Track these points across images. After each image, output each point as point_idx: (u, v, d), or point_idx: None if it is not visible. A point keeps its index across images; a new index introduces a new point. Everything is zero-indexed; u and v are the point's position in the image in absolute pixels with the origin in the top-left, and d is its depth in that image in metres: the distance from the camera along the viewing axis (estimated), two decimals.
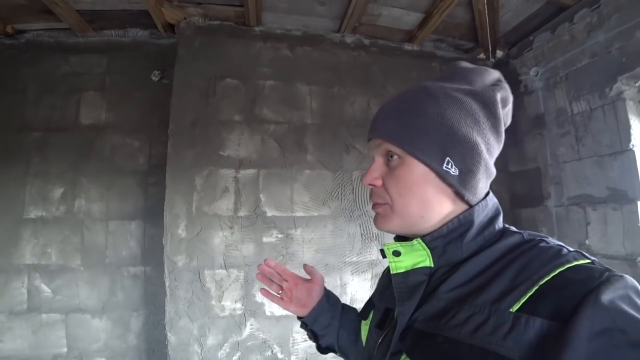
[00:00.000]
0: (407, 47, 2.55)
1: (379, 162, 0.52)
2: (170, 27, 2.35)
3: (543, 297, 0.36)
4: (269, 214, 2.13)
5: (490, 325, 0.38)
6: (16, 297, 2.14)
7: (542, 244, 0.43)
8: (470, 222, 0.47)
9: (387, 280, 0.63)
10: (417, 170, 0.48)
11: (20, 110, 2.31)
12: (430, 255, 0.49)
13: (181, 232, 2.03)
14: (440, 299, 0.46)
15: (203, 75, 2.20)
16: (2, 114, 2.31)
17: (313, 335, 0.76)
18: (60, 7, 2.09)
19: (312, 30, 2.41)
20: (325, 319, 0.74)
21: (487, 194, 0.52)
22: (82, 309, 2.12)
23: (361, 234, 2.26)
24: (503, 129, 0.51)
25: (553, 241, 0.44)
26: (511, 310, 0.38)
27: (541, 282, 0.37)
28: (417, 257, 0.50)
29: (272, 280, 0.76)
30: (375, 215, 0.54)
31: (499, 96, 0.49)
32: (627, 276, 0.36)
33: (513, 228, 0.50)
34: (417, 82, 0.57)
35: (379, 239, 2.26)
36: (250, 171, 2.15)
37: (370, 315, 0.63)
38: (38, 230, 2.18)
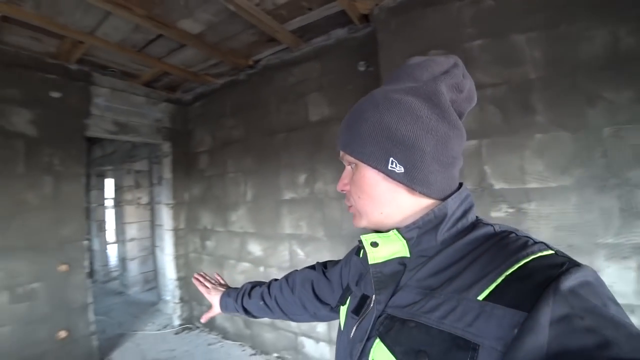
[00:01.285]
0: None
1: (348, 169, 0.58)
2: (365, 18, 2.47)
3: (508, 286, 0.39)
4: (497, 186, 1.96)
5: (458, 312, 0.41)
6: (282, 257, 2.94)
7: (511, 236, 0.46)
8: (444, 215, 0.50)
9: (362, 267, 0.67)
10: (367, 174, 0.53)
11: (268, 119, 3.06)
12: (406, 245, 0.52)
13: None
14: (413, 287, 0.49)
15: (406, 54, 2.21)
16: (257, 124, 3.14)
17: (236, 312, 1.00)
18: (280, 33, 2.58)
19: None
20: (231, 307, 0.99)
21: (460, 186, 0.54)
22: None
23: (620, 208, 1.75)
24: (455, 116, 0.51)
25: (521, 233, 0.47)
26: (478, 298, 0.40)
27: (507, 273, 0.40)
28: (393, 247, 0.53)
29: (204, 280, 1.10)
30: (352, 215, 0.59)
31: (443, 86, 0.50)
32: (587, 265, 0.39)
33: (485, 220, 0.52)
34: None
35: None
36: (471, 142, 2.02)
37: (348, 301, 0.66)
38: (292, 208, 2.87)
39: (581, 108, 1.84)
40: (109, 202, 5.80)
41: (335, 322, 2.48)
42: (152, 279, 4.76)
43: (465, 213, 0.52)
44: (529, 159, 1.90)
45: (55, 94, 2.78)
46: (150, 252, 4.87)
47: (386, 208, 0.53)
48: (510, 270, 0.40)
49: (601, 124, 1.81)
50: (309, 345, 2.80)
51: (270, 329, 3.06)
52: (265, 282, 1.00)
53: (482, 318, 0.39)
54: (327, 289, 0.85)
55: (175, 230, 3.78)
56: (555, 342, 0.33)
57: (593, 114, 1.83)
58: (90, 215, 5.76)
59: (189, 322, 3.83)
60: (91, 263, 5.91)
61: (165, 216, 3.82)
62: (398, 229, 0.51)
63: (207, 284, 1.08)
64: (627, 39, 1.77)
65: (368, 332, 0.50)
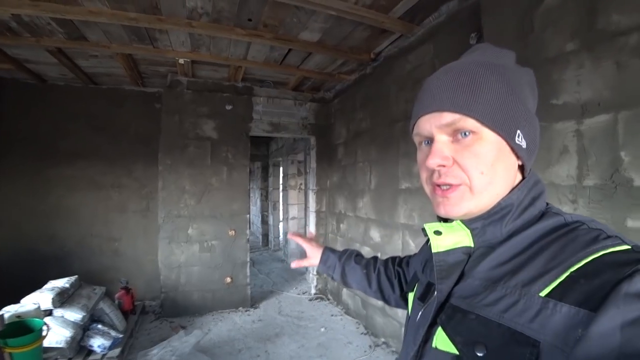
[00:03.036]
0: None
1: (443, 140, 0.48)
2: None
3: (573, 283, 0.37)
4: (639, 181, 1.30)
5: (519, 307, 0.40)
6: (396, 245, 2.93)
7: (582, 228, 0.43)
8: (510, 205, 0.47)
9: (429, 255, 0.60)
10: (497, 146, 0.46)
11: (390, 109, 3.05)
12: (470, 235, 0.50)
13: None
14: (476, 278, 0.47)
15: (513, 14, 1.73)
16: (380, 114, 3.19)
17: (328, 274, 0.99)
18: (387, 23, 2.52)
19: None
20: (331, 262, 0.97)
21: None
22: None
23: None
24: None
25: (595, 225, 0.43)
26: (540, 294, 0.39)
27: (572, 269, 0.38)
28: (457, 237, 0.50)
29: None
30: (443, 200, 0.49)
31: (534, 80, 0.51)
32: None
33: (555, 208, 0.49)
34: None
35: None
36: (602, 118, 1.36)
37: (415, 288, 0.65)
38: (407, 198, 2.79)
39: None
40: (281, 187, 7.20)
41: None
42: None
43: (533, 201, 0.48)
44: None
45: (229, 107, 3.82)
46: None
47: (503, 187, 0.47)
48: (576, 267, 0.38)
49: None
50: None
51: (381, 314, 3.12)
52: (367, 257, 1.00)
53: (544, 315, 0.37)
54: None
55: (318, 212, 4.38)
56: (628, 345, 0.30)
57: None
58: (268, 197, 7.42)
59: (322, 293, 4.36)
60: (267, 234, 7.52)
61: (311, 200, 4.47)
62: (462, 220, 0.49)
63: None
64: None
65: (430, 319, 0.50)
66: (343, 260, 0.96)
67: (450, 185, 0.48)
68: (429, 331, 0.50)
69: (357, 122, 3.64)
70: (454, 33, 2.34)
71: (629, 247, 0.37)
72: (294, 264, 1.03)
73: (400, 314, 2.83)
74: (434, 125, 0.48)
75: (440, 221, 0.54)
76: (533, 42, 1.64)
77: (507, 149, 0.47)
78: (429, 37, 2.56)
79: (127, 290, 3.34)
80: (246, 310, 3.82)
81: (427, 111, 0.49)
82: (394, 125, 2.99)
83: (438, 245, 0.51)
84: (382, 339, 3.09)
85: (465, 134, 0.46)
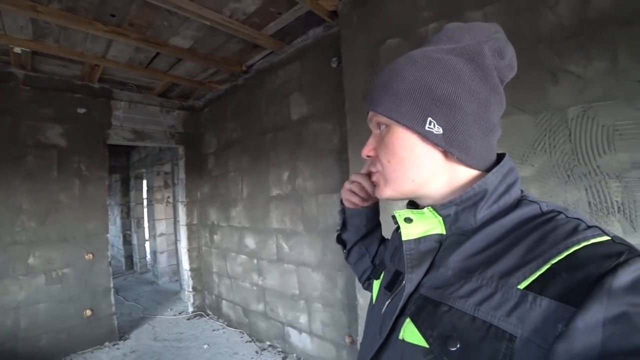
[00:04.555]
0: None
1: (376, 133, 0.54)
2: (336, 14, 2.51)
3: (554, 277, 0.36)
4: None
5: (496, 299, 0.38)
6: (270, 250, 3.10)
7: (560, 218, 0.41)
8: (484, 191, 0.46)
9: (397, 242, 0.62)
10: (402, 135, 0.49)
11: (260, 120, 3.24)
12: (442, 222, 0.49)
13: None
14: (449, 267, 0.46)
15: (366, 47, 2.21)
16: (251, 126, 3.34)
17: (342, 225, 0.83)
18: (260, 39, 2.73)
19: None
20: (359, 222, 0.80)
21: (502, 157, 0.50)
22: (306, 263, 2.75)
23: (589, 202, 1.53)
24: (497, 81, 0.49)
25: (573, 214, 0.42)
26: (519, 287, 0.37)
27: (553, 261, 0.36)
28: (428, 224, 0.50)
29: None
30: (375, 185, 0.55)
31: (486, 48, 0.48)
32: None
33: (531, 196, 0.48)
34: None
35: (624, 211, 1.45)
36: None
37: (381, 276, 0.64)
38: (278, 204, 3.00)
39: (542, 85, 1.67)
40: (145, 201, 6.54)
41: (316, 316, 2.59)
42: (178, 270, 5.24)
43: (508, 188, 0.47)
44: None
45: (81, 110, 3.30)
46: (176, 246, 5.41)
47: (418, 175, 0.49)
48: (557, 258, 0.36)
49: (567, 101, 1.62)
50: (293, 335, 2.90)
51: (264, 319, 3.23)
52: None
53: (522, 309, 0.36)
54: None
55: (189, 225, 4.19)
56: (610, 342, 0.30)
57: (556, 90, 1.65)
58: (130, 213, 6.62)
59: (201, 310, 4.18)
60: (131, 256, 6.71)
61: (181, 213, 4.24)
62: (434, 206, 0.48)
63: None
64: (598, 0, 1.57)
65: (399, 309, 0.47)
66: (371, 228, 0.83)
67: (373, 172, 0.55)
68: (396, 322, 0.48)
69: (229, 132, 3.71)
70: (319, 55, 2.73)
71: (610, 238, 0.37)
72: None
73: (282, 314, 3.01)
74: (369, 120, 0.55)
75: (411, 208, 0.54)
76: (378, 72, 2.14)
77: (415, 137, 0.48)
78: (298, 56, 2.90)
79: None
80: (114, 344, 3.32)
81: (365, 109, 0.55)
82: (264, 135, 3.19)
83: (408, 233, 0.50)
84: (268, 342, 3.19)
85: (382, 128, 0.52)
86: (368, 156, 0.55)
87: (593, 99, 1.55)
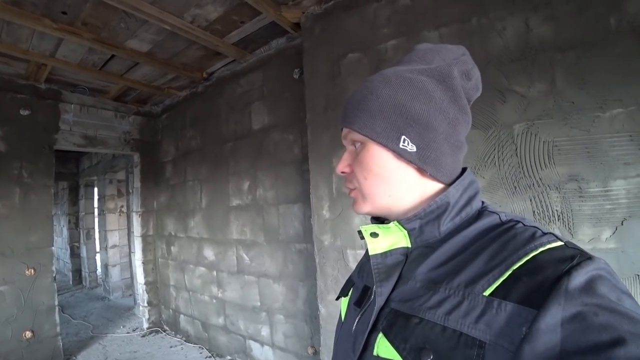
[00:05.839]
0: None
1: (350, 150, 0.55)
2: (299, 26, 2.53)
3: (516, 282, 0.37)
4: None
5: (463, 308, 0.39)
6: (231, 261, 3.01)
7: (518, 226, 0.44)
8: (446, 204, 0.48)
9: (366, 258, 0.63)
10: (376, 153, 0.50)
11: (220, 129, 3.17)
12: (407, 236, 0.50)
13: (325, 212, 2.17)
14: (417, 280, 0.47)
15: (327, 60, 2.24)
16: (211, 134, 3.26)
17: None
18: (222, 47, 2.69)
19: None
20: None
21: (463, 171, 0.52)
22: (267, 274, 2.70)
23: (534, 211, 1.65)
24: (465, 102, 0.51)
25: (529, 222, 0.45)
26: (484, 294, 0.39)
27: (514, 267, 0.38)
28: (394, 238, 0.51)
29: None
30: (352, 201, 0.55)
31: (455, 70, 0.50)
32: (599, 258, 0.37)
33: (491, 207, 0.50)
34: None
35: (563, 219, 1.58)
36: None
37: (350, 293, 0.63)
38: (238, 215, 2.94)
39: (491, 103, 1.78)
40: (96, 211, 6.14)
41: (278, 328, 2.54)
42: (131, 284, 4.96)
43: (469, 200, 0.49)
44: None
45: (25, 112, 3.04)
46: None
47: (394, 190, 0.50)
48: (518, 264, 0.38)
49: (513, 119, 1.73)
50: (255, 349, 2.83)
51: (224, 332, 3.12)
52: None
53: (489, 314, 0.37)
54: None
55: (144, 236, 3.97)
56: (568, 341, 0.31)
57: (504, 109, 1.76)
58: (79, 224, 6.18)
59: (157, 325, 3.96)
60: (79, 270, 6.24)
61: (136, 223, 4.01)
62: (399, 221, 0.50)
63: None
64: (539, 28, 1.70)
65: (371, 325, 0.48)
66: None
67: (351, 189, 0.55)
68: (369, 338, 0.48)
69: (187, 140, 3.60)
70: (281, 66, 2.74)
71: (563, 243, 0.40)
72: None
73: (243, 327, 2.93)
74: (343, 137, 0.56)
75: (376, 223, 0.55)
76: (339, 84, 2.17)
77: (390, 154, 0.49)
78: (260, 65, 2.88)
79: None
80: None
81: (339, 126, 0.56)
82: (224, 144, 3.13)
83: (375, 247, 0.52)
84: (229, 357, 3.09)
85: (357, 145, 0.53)
86: (343, 172, 0.55)
87: (535, 117, 1.67)
